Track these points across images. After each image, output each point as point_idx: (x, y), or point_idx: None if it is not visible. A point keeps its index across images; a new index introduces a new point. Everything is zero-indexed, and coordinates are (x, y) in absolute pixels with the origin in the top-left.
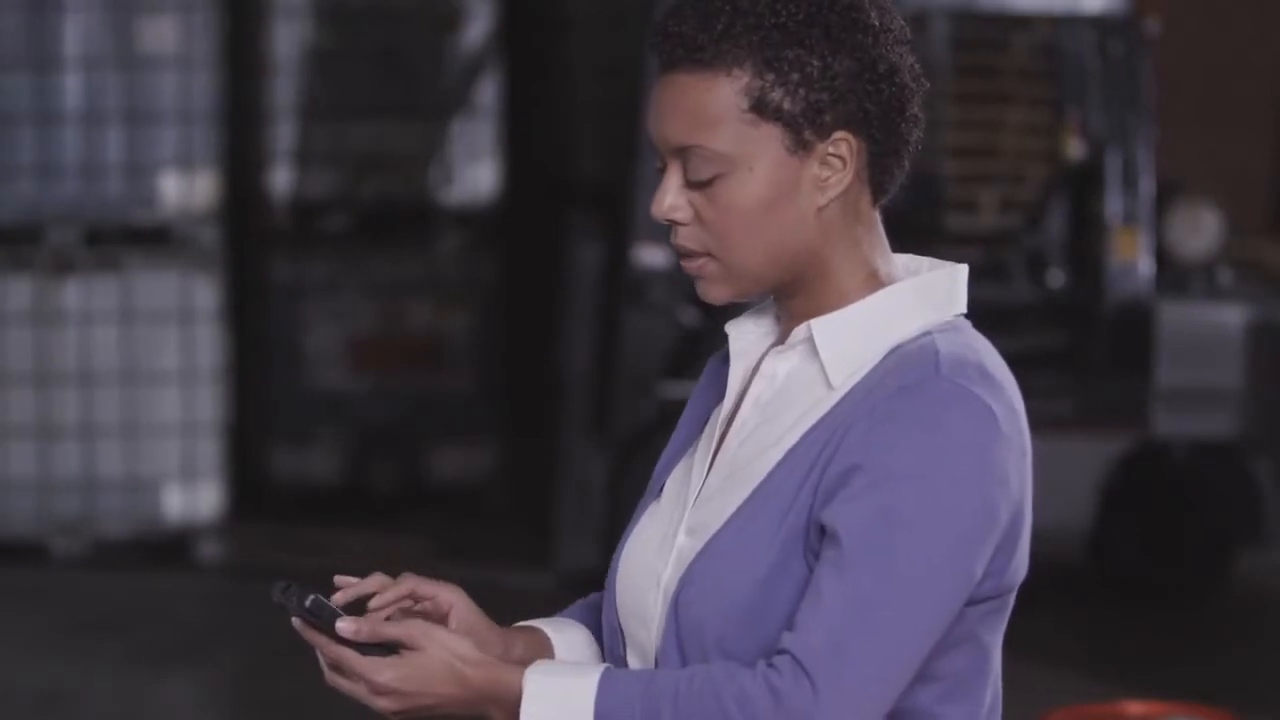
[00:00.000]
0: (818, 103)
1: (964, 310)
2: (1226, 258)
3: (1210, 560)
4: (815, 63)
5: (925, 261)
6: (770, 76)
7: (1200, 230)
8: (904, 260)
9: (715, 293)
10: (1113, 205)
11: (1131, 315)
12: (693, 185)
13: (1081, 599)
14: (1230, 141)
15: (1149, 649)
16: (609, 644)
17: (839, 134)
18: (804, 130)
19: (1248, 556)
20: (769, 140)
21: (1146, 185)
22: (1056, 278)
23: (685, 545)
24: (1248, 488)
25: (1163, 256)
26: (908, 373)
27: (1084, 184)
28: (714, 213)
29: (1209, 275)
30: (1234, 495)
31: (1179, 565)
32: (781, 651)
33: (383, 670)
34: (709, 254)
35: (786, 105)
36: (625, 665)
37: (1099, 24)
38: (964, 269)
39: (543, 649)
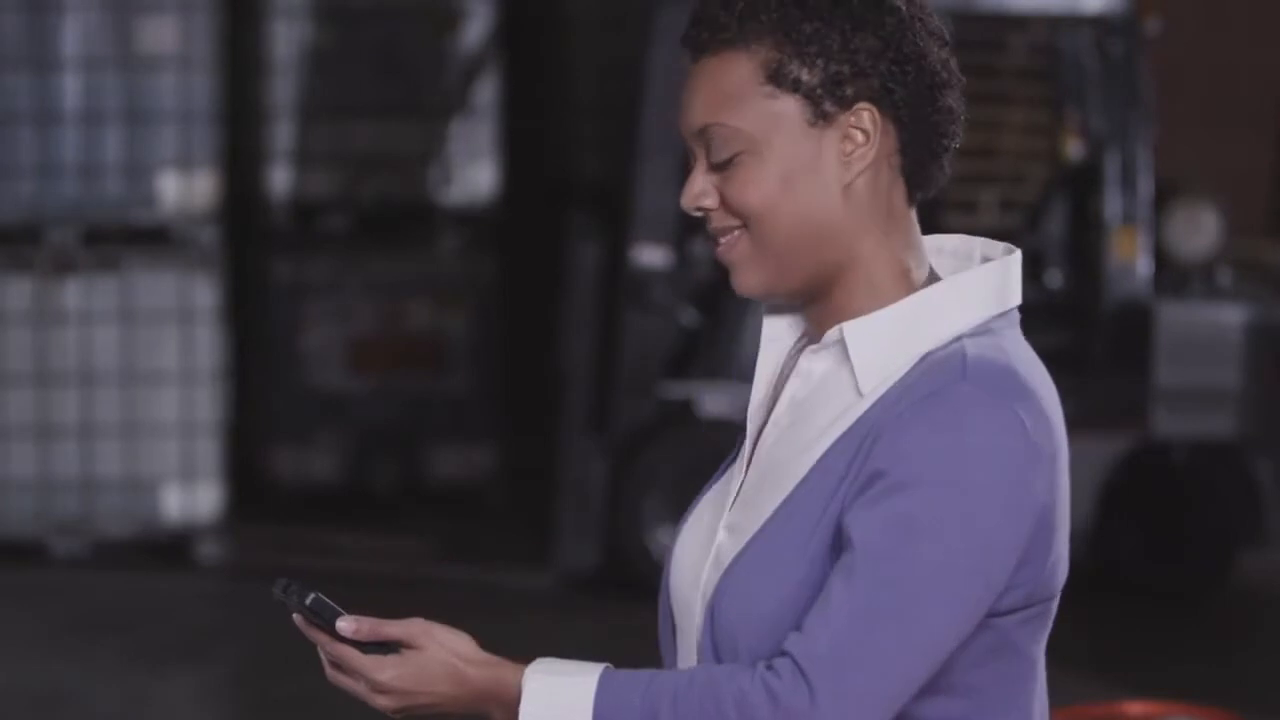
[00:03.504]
0: (837, 74)
1: (1007, 306)
2: (1226, 258)
3: (1210, 560)
4: (835, 36)
5: (977, 242)
6: (788, 49)
7: (1200, 230)
8: (954, 242)
9: (749, 280)
10: (1112, 205)
11: (1131, 315)
12: (715, 168)
13: (1081, 599)
14: (1230, 141)
15: (1149, 649)
16: (662, 626)
17: (860, 105)
18: (824, 101)
19: (1248, 556)
20: (788, 113)
21: (1146, 185)
22: (1056, 278)
23: (724, 544)
24: (1248, 488)
25: (1162, 256)
26: (935, 379)
27: (1083, 184)
28: (735, 190)
29: (1208, 275)
30: (1234, 495)
31: (1179, 565)
32: (784, 653)
33: (383, 668)
34: (741, 226)
35: (804, 77)
36: (675, 649)
37: (1098, 24)
38: (1016, 259)
39: None
